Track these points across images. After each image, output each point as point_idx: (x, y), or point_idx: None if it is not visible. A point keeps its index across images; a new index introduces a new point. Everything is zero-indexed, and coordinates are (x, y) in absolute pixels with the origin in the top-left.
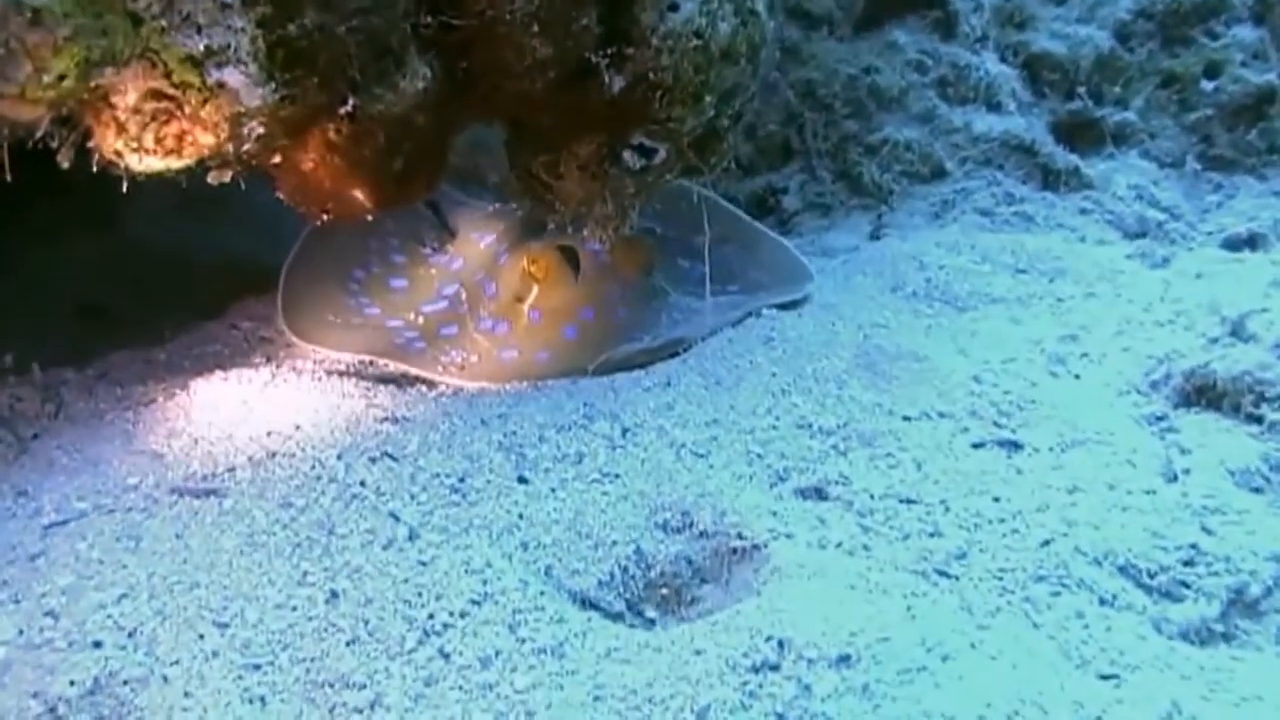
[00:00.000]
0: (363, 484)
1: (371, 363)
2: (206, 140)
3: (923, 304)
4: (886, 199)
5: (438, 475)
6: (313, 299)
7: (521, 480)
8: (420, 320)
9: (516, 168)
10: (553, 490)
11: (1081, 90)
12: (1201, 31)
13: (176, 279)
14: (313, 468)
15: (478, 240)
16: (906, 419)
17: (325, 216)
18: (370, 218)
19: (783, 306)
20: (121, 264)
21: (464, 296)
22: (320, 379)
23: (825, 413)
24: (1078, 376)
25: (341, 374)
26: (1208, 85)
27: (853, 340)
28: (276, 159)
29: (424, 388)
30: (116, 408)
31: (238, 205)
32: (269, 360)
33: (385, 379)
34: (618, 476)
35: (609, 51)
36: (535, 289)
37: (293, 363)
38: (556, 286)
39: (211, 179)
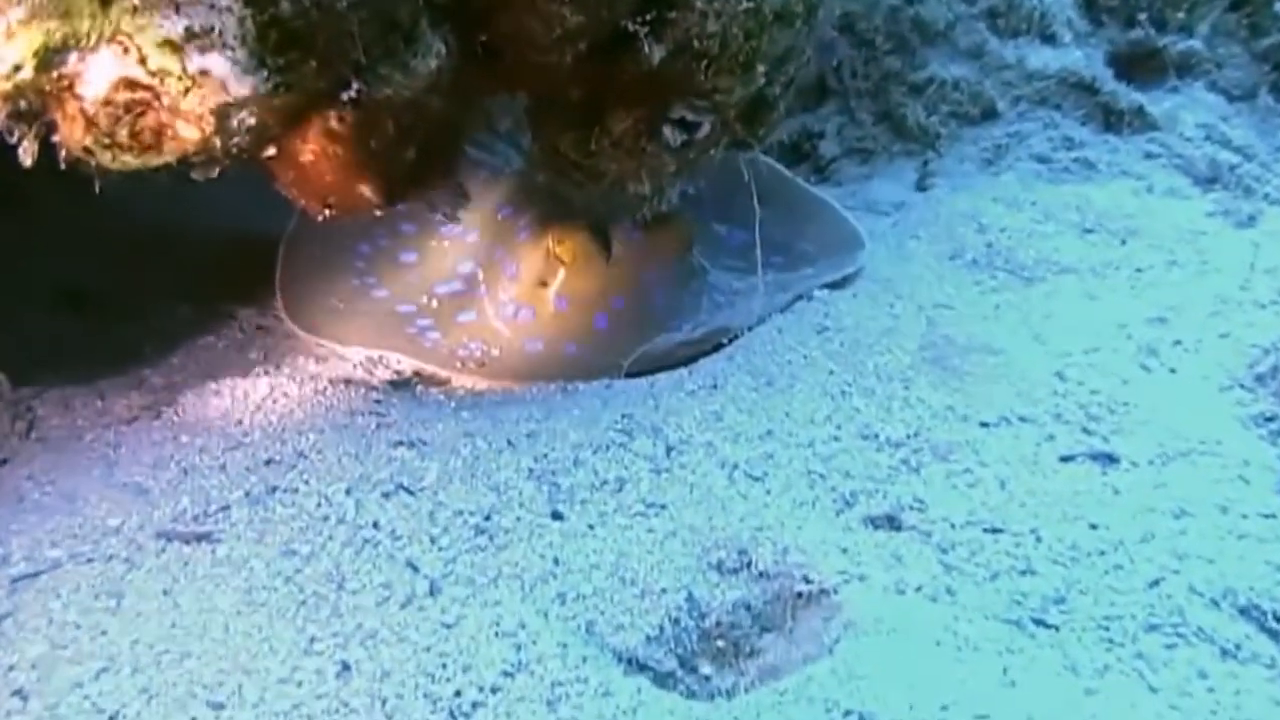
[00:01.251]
0: (376, 525)
1: (380, 360)
2: (189, 135)
3: (985, 274)
4: (933, 144)
5: (460, 512)
6: (314, 280)
7: (556, 516)
8: (434, 304)
9: (540, 141)
10: (591, 527)
11: (1142, 17)
12: None
13: (164, 254)
14: (318, 505)
15: (494, 209)
16: (984, 425)
17: (328, 212)
18: (378, 213)
19: (834, 285)
20: (101, 237)
21: (482, 277)
22: (324, 390)
23: (892, 419)
24: (1173, 370)
25: (348, 381)
26: None
27: (916, 328)
28: (270, 152)
29: (441, 395)
30: (96, 426)
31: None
32: (266, 359)
33: (397, 384)
34: (664, 508)
35: (648, 17)
36: (562, 273)
37: (293, 365)
38: (585, 271)
39: (196, 177)
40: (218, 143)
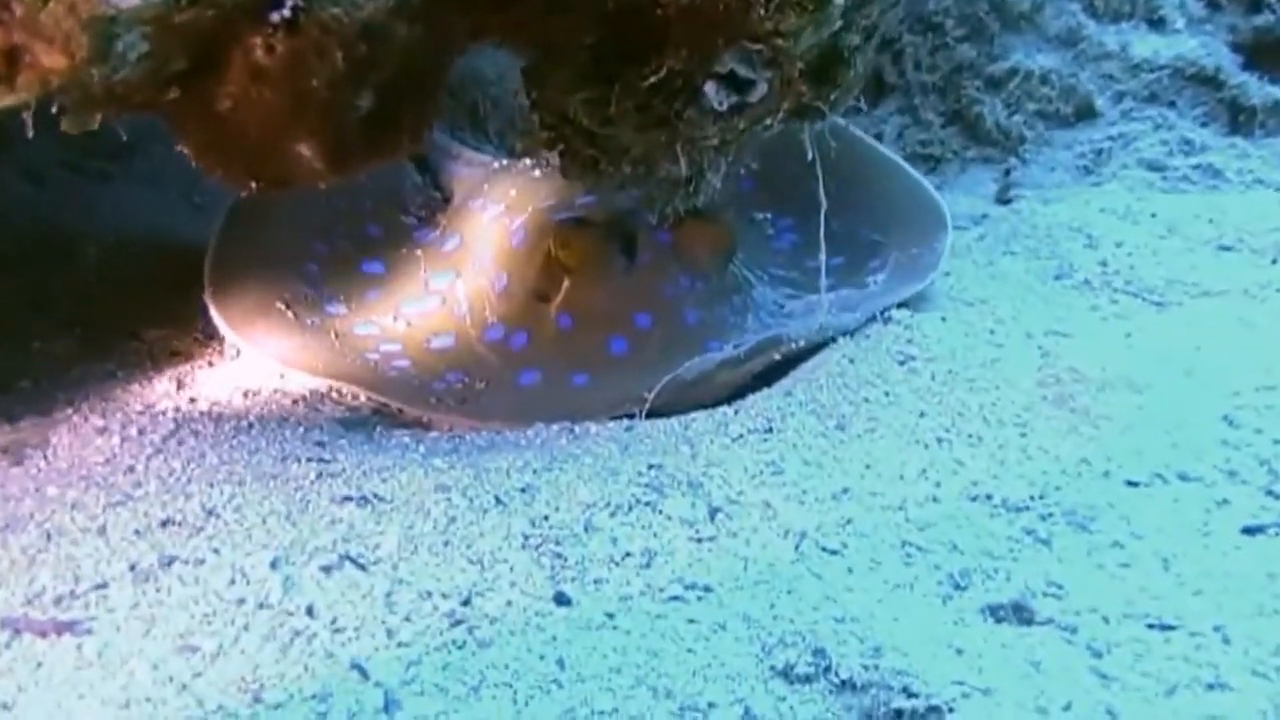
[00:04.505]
0: (310, 612)
1: (332, 392)
2: (53, 63)
3: (1103, 297)
4: (1016, 149)
5: (429, 595)
6: (252, 286)
7: (561, 600)
8: (403, 326)
9: (542, 108)
10: (609, 617)
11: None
12: None
13: (60, 265)
14: (231, 582)
15: (479, 210)
16: (1132, 485)
17: (254, 184)
18: (322, 184)
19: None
20: None
21: (462, 292)
22: (249, 428)
23: (1008, 476)
24: None
25: (284, 419)
26: None
27: (1027, 359)
28: (172, 94)
29: (406, 437)
30: None
31: (148, 157)
32: (179, 388)
33: (349, 423)
34: (708, 590)
35: None
36: (566, 283)
37: (212, 396)
38: (597, 280)
39: (66, 127)
40: (94, 75)
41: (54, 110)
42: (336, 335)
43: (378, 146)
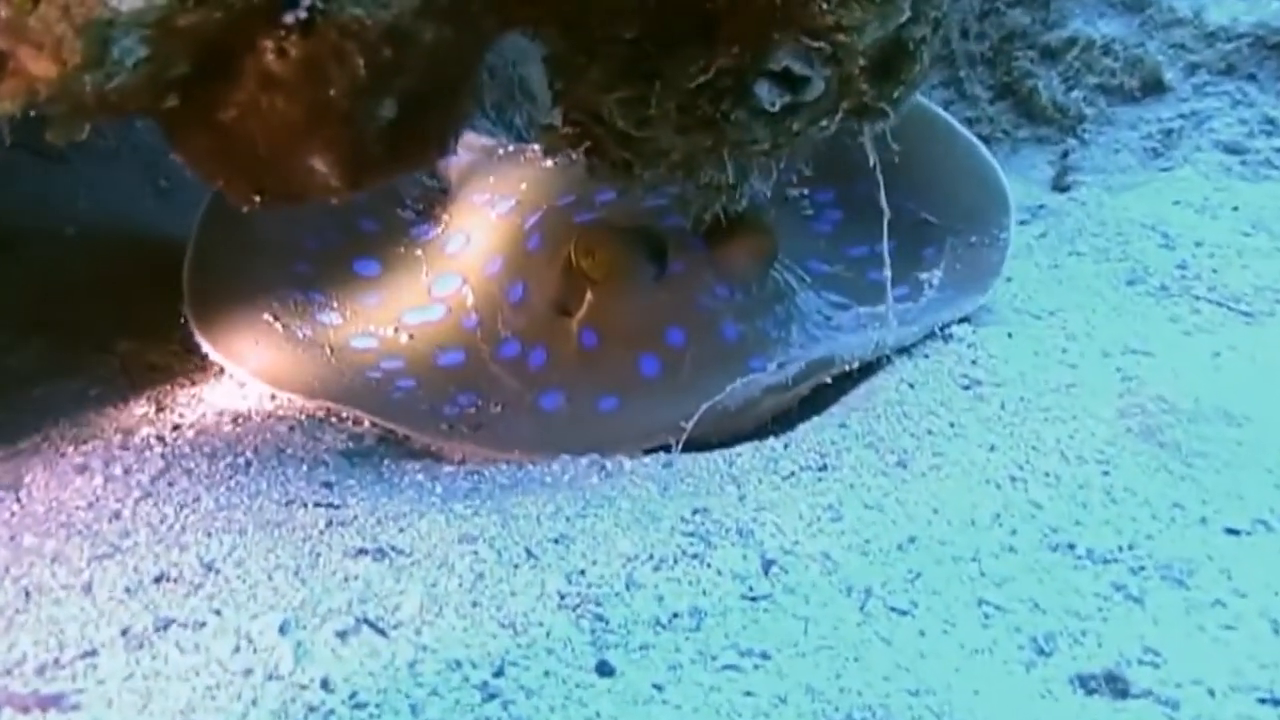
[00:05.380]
0: (326, 685)
1: (331, 416)
2: (41, 70)
3: (1183, 306)
4: (1074, 128)
5: (458, 664)
6: (237, 295)
7: (604, 670)
8: (405, 339)
9: (569, 104)
10: (658, 690)
11: None
12: None
13: (12, 261)
14: (236, 650)
15: (485, 205)
16: (1234, 533)
17: (258, 198)
18: (335, 200)
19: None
20: None
21: (471, 301)
22: (248, 463)
23: (1092, 522)
24: None
25: (281, 451)
26: None
27: (1106, 383)
28: (172, 102)
29: (420, 473)
30: None
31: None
32: (159, 410)
33: (354, 456)
34: (766, 658)
35: None
36: (589, 294)
37: (199, 423)
38: (625, 292)
39: (51, 138)
40: (87, 84)
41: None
42: (332, 350)
43: (399, 158)
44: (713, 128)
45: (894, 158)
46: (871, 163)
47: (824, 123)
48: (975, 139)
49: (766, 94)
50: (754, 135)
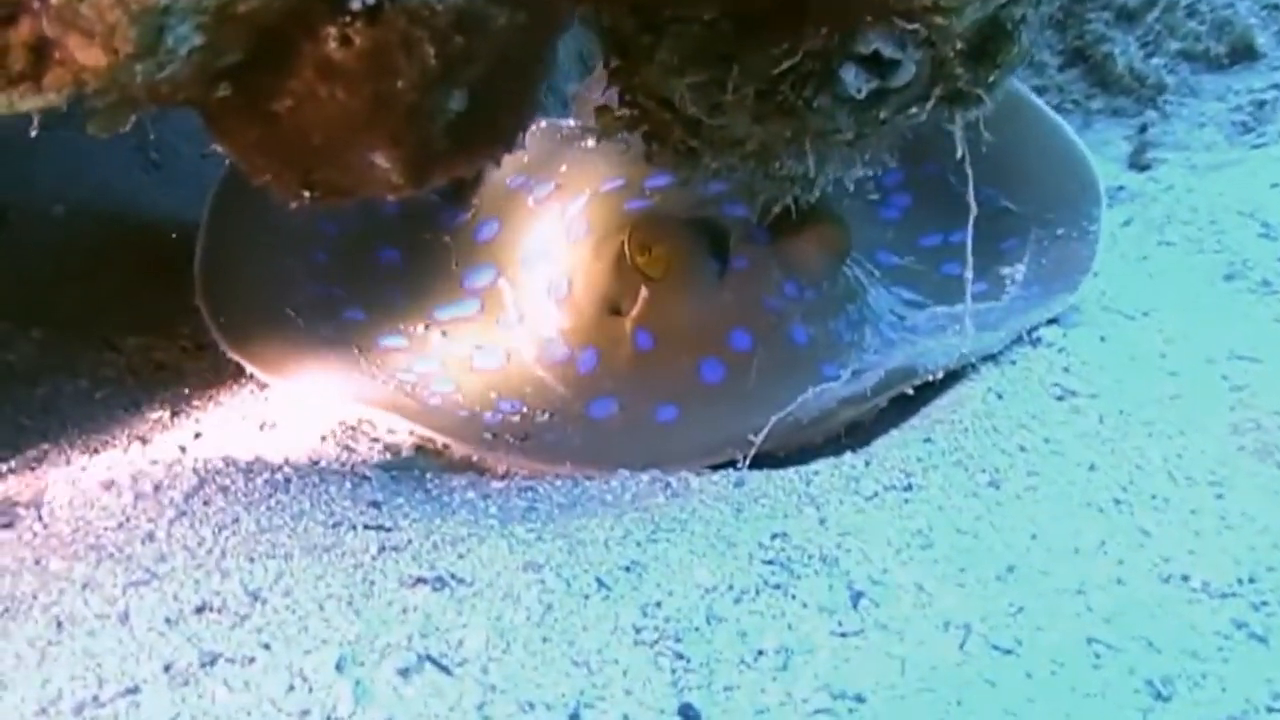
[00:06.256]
0: None
1: (362, 424)
2: (89, 59)
3: None
4: (1155, 99)
5: (530, 707)
6: (254, 288)
7: (687, 714)
8: (437, 337)
9: (633, 88)
10: None
11: None
12: None
13: (12, 250)
14: (290, 689)
15: (520, 189)
16: None
17: (307, 194)
18: (393, 197)
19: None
20: None
21: (510, 296)
22: (288, 480)
23: (1207, 551)
24: None
25: (318, 465)
26: None
27: (1214, 394)
28: (223, 91)
29: (470, 490)
30: None
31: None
32: (174, 416)
33: (393, 469)
34: (860, 700)
35: None
36: (644, 292)
37: (223, 431)
38: (682, 289)
39: (94, 131)
40: (138, 74)
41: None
42: (360, 351)
43: (466, 153)
44: (793, 116)
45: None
46: (959, 155)
47: (914, 110)
48: (1060, 120)
49: (853, 79)
50: (837, 124)
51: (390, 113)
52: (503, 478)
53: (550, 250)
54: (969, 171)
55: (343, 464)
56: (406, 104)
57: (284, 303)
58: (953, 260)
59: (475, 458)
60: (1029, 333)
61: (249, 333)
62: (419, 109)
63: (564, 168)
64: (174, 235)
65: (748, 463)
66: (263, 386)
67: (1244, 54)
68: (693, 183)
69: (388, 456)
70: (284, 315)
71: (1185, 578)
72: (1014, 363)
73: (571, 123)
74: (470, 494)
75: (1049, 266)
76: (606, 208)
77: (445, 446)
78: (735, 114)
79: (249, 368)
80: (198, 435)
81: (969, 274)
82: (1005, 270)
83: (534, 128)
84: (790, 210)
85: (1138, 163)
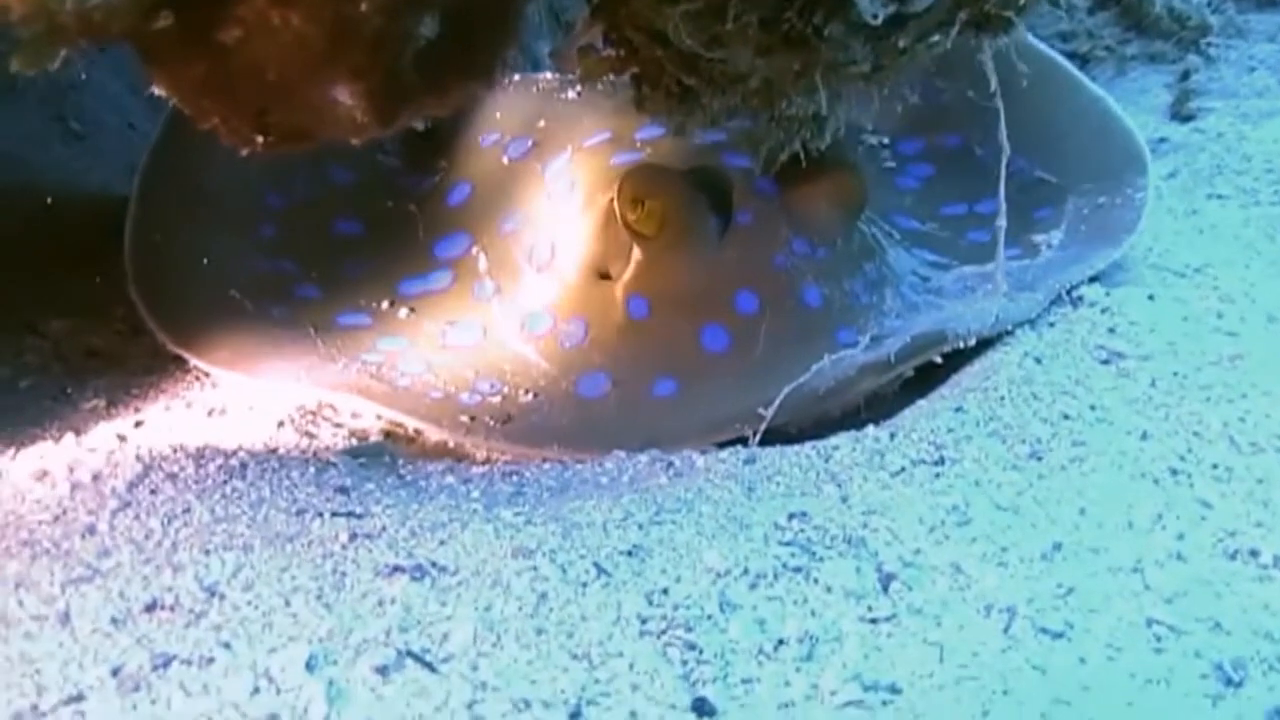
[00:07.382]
0: None
1: (322, 409)
2: None
3: None
4: (1197, 42)
5: (526, 705)
6: (194, 270)
7: (701, 710)
8: (404, 314)
9: (617, 21)
10: None
11: None
12: None
13: None
14: (255, 691)
15: (493, 146)
16: None
17: (261, 139)
18: (357, 140)
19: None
20: None
21: (484, 264)
22: (243, 465)
23: (1276, 524)
24: None
25: (276, 451)
26: None
27: (1274, 351)
28: (164, 21)
29: (449, 475)
30: None
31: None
32: (110, 406)
33: (363, 455)
34: (895, 692)
35: None
36: (636, 253)
37: (166, 420)
38: (680, 248)
39: (19, 67)
40: (67, 4)
41: None
42: (316, 330)
43: (439, 89)
44: (802, 46)
45: (1006, 108)
46: (992, 87)
47: (936, 37)
48: (1100, 91)
49: (869, 3)
50: (852, 55)
51: (353, 41)
52: (484, 464)
53: (529, 213)
54: (1000, 106)
55: (303, 451)
56: (372, 30)
57: (228, 284)
58: (979, 228)
59: (452, 443)
60: (1069, 292)
61: (191, 322)
62: (386, 35)
63: (542, 123)
64: (102, 212)
65: (757, 439)
66: (207, 373)
67: None
68: (688, 131)
69: (353, 443)
70: (229, 298)
71: (1254, 553)
72: (1053, 325)
73: (549, 75)
74: (449, 479)
75: (1088, 231)
76: (591, 163)
77: (417, 432)
78: (736, 46)
79: (195, 362)
80: (139, 424)
81: (1002, 221)
82: (1039, 237)
83: (506, 82)
84: (799, 159)
85: (1180, 113)
